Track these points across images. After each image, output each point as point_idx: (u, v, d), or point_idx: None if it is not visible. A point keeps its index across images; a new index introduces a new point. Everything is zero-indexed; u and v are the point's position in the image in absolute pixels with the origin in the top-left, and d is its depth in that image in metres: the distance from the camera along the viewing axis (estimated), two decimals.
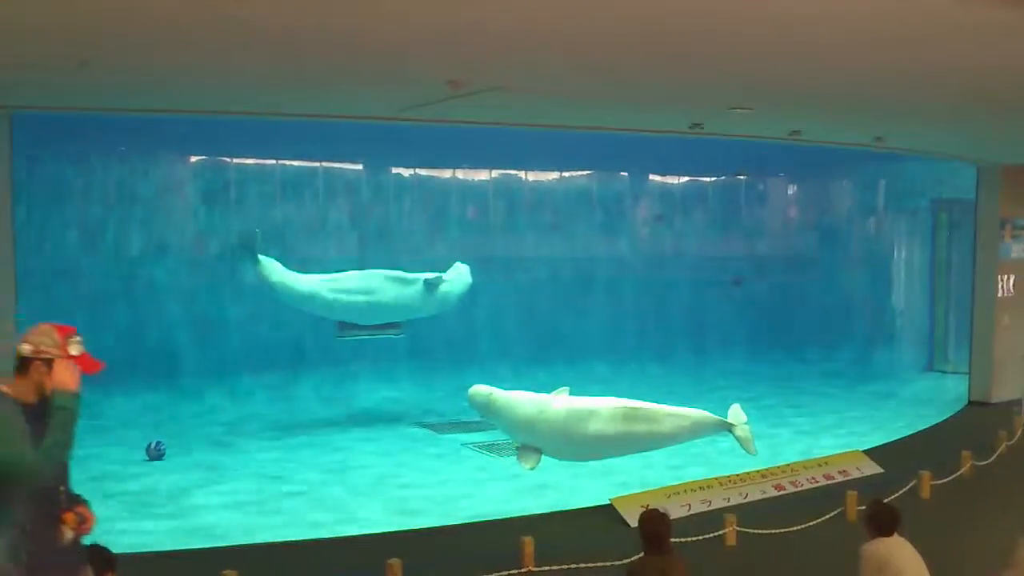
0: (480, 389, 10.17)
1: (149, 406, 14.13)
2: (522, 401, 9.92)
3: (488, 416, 10.24)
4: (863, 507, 7.10)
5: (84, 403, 3.81)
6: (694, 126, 10.06)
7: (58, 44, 5.72)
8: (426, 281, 13.59)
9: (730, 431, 9.87)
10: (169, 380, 14.57)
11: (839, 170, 19.23)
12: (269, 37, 5.56)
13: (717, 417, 9.86)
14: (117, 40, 5.62)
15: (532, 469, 9.78)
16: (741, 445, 9.93)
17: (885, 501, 6.31)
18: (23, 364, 3.78)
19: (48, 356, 3.77)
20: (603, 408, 9.57)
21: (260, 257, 13.35)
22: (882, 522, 5.90)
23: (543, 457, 9.87)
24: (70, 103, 8.66)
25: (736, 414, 9.95)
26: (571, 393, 10.06)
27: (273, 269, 13.35)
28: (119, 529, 8.67)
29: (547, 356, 16.75)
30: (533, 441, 9.79)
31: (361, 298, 13.43)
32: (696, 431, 9.90)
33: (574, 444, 9.67)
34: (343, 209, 16.12)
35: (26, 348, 3.76)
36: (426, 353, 15.80)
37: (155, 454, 11.52)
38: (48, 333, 3.82)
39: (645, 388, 16.34)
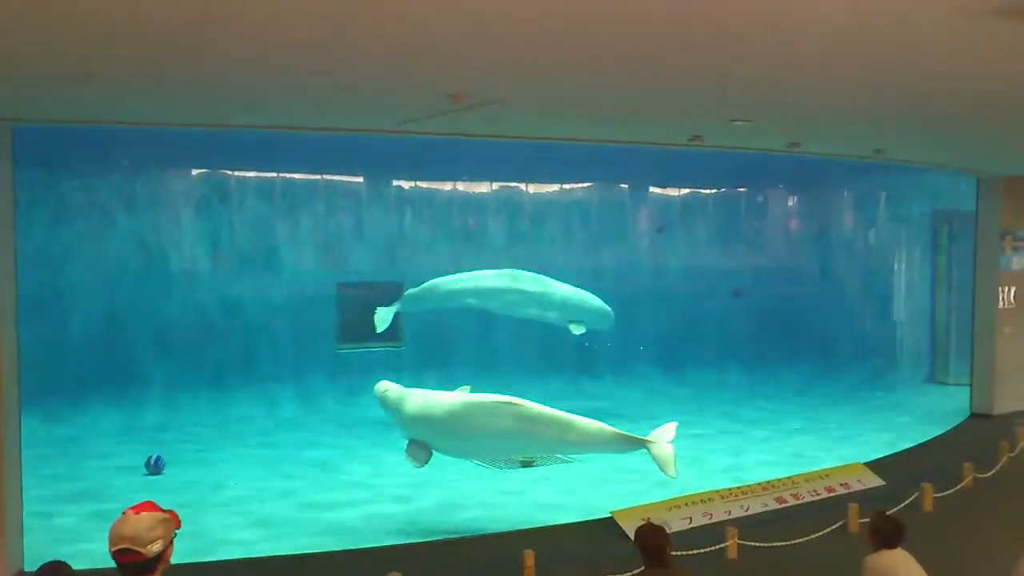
0: (379, 385, 10.02)
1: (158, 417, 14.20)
2: (412, 396, 9.72)
3: (386, 412, 10.04)
4: (865, 520, 7.08)
5: None
6: (694, 138, 10.07)
7: (59, 58, 5.73)
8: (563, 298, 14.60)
9: (646, 448, 9.22)
10: (158, 391, 14.61)
11: (839, 182, 19.24)
12: (270, 51, 5.57)
13: (621, 432, 9.28)
14: (118, 54, 5.63)
15: (420, 467, 9.58)
16: (658, 465, 9.22)
17: (889, 513, 6.29)
18: (157, 559, 3.54)
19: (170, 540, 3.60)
20: (484, 403, 9.33)
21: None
22: (886, 534, 5.88)
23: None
24: (71, 116, 8.67)
25: (661, 432, 9.31)
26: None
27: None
28: None
29: (545, 365, 16.76)
30: (421, 436, 9.56)
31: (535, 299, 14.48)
32: (597, 444, 9.39)
33: (456, 438, 9.48)
34: (345, 220, 16.15)
35: (159, 546, 3.51)
36: (429, 364, 15.77)
37: (154, 469, 11.55)
38: (162, 520, 3.56)
39: (642, 397, 16.40)
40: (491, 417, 9.25)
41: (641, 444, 9.24)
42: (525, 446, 9.66)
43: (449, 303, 14.84)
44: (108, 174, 14.64)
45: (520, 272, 14.70)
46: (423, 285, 14.66)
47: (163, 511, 3.59)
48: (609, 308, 14.93)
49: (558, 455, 11.94)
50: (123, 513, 3.53)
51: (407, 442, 9.69)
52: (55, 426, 13.37)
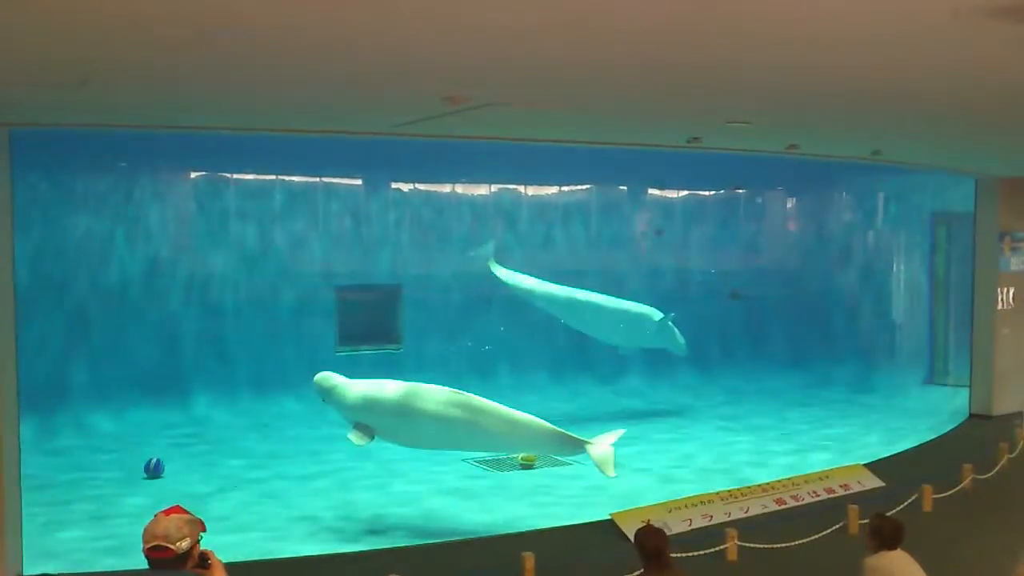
0: (325, 375, 10.13)
1: (160, 422, 14.20)
2: (354, 383, 9.94)
3: (330, 401, 10.12)
4: (865, 521, 7.08)
5: None
6: (692, 140, 10.07)
7: (57, 63, 5.73)
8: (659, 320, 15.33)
9: (586, 450, 9.45)
10: (166, 397, 14.60)
11: (837, 183, 19.24)
12: (268, 56, 5.57)
13: (563, 431, 9.48)
14: (116, 59, 5.63)
15: (362, 445, 9.82)
16: (596, 465, 9.50)
17: (888, 514, 6.28)
18: (186, 556, 3.91)
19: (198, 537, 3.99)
20: (428, 389, 9.58)
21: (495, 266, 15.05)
22: (886, 535, 5.88)
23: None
24: (70, 120, 8.67)
25: (604, 437, 9.58)
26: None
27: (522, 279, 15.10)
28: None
29: (544, 369, 16.78)
30: (367, 420, 9.77)
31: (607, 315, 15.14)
32: (539, 441, 9.66)
33: (398, 422, 9.65)
34: (344, 222, 16.15)
35: (187, 543, 3.92)
36: (428, 366, 15.78)
37: (153, 472, 11.54)
38: (189, 521, 3.96)
39: (640, 404, 16.41)
40: (432, 404, 9.47)
41: (581, 446, 9.44)
42: (472, 438, 9.78)
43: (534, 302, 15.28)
44: (106, 177, 14.65)
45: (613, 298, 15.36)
46: (520, 276, 15.07)
47: (190, 515, 4.01)
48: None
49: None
50: (155, 515, 3.97)
51: (353, 425, 9.88)
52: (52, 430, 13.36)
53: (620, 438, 9.82)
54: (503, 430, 9.48)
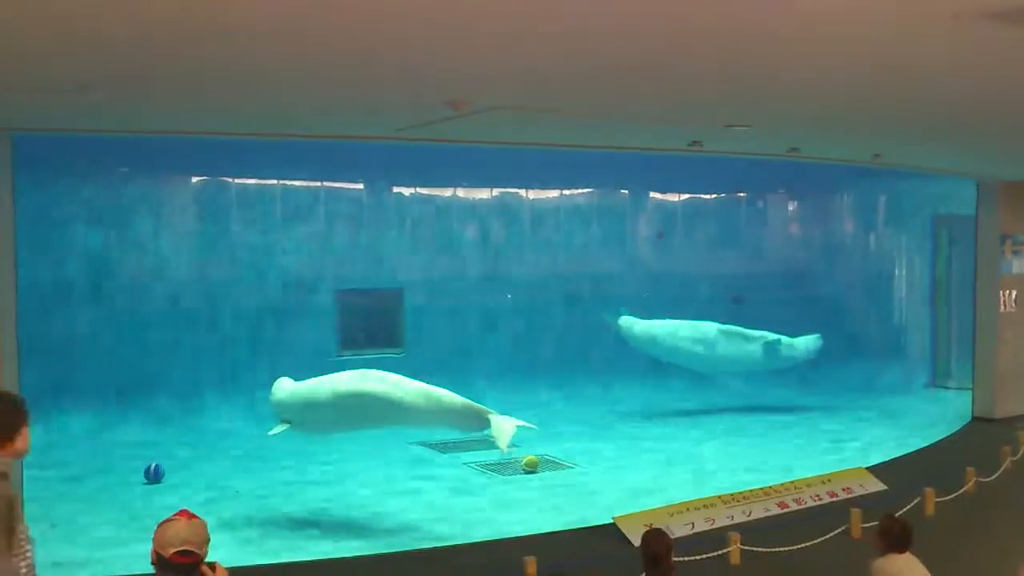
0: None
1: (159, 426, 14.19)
2: (285, 385, 10.21)
3: (273, 406, 10.30)
4: (868, 524, 7.08)
5: None
6: (693, 144, 10.09)
7: (58, 69, 5.74)
8: (767, 342, 15.81)
9: (489, 421, 9.40)
10: (162, 400, 14.63)
11: (839, 186, 19.24)
12: (270, 62, 5.58)
13: (471, 402, 9.49)
14: (116, 64, 5.64)
15: (273, 434, 10.14)
16: (494, 435, 9.39)
17: (897, 516, 6.26)
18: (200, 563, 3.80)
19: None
20: (334, 375, 9.83)
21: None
22: (895, 538, 5.84)
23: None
24: (71, 125, 8.69)
25: (513, 420, 9.51)
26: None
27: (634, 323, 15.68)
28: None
29: (547, 373, 16.78)
30: (289, 416, 10.03)
31: (700, 348, 15.75)
32: (446, 414, 9.60)
33: (316, 410, 9.81)
34: (346, 227, 16.15)
35: (206, 549, 3.82)
36: (429, 370, 15.76)
37: (153, 478, 11.53)
38: (205, 525, 3.84)
39: (635, 407, 16.41)
40: (339, 385, 9.63)
41: (486, 417, 9.41)
42: (377, 412, 9.78)
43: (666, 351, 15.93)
44: (107, 181, 14.66)
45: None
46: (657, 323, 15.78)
47: (185, 512, 3.87)
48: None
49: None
50: (175, 519, 3.80)
51: (280, 420, 10.14)
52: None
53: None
54: (414, 403, 9.49)
